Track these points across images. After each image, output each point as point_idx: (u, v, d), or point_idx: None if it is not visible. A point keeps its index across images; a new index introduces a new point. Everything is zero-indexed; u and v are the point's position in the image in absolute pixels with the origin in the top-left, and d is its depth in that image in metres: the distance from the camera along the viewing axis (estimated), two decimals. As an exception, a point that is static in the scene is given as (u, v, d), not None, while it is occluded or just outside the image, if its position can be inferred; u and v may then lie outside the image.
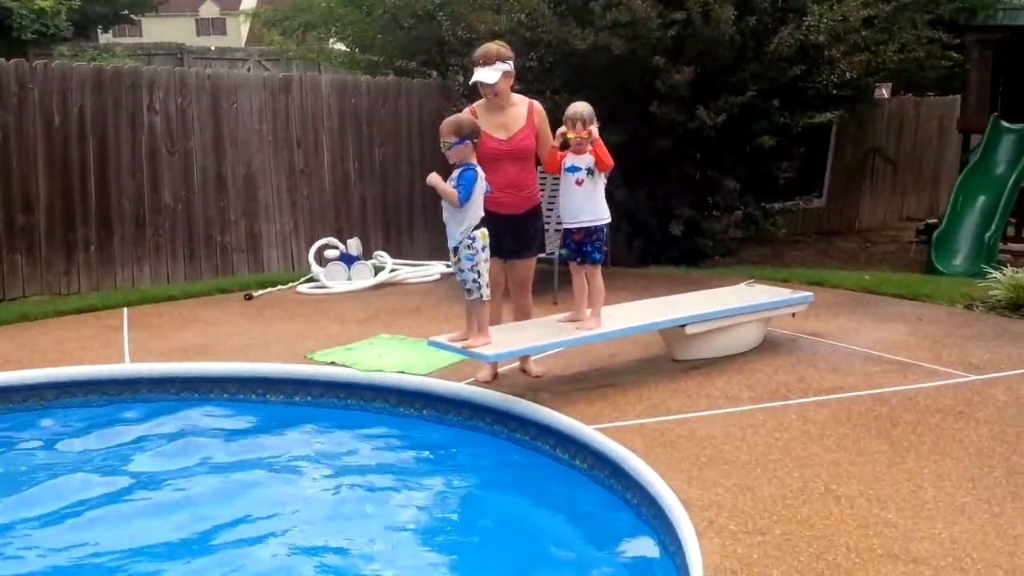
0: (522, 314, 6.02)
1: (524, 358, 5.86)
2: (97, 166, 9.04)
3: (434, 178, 5.20)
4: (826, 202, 14.48)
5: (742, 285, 7.07)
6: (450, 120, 5.27)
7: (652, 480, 4.34)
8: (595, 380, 5.82)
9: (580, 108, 5.46)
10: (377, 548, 4.31)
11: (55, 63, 8.96)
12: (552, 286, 7.79)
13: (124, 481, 4.97)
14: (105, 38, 28.40)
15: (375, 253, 9.33)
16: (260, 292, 8.42)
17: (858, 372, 5.93)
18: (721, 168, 10.00)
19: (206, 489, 4.89)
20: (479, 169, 5.25)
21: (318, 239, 9.57)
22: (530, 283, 6.02)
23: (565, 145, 5.52)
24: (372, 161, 10.83)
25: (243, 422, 5.83)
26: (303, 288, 8.67)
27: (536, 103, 5.90)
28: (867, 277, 8.89)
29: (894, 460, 4.55)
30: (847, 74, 9.71)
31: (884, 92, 14.97)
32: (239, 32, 46.06)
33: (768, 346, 6.50)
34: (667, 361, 6.19)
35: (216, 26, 58.80)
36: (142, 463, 5.21)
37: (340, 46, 14.76)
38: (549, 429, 5.17)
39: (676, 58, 9.11)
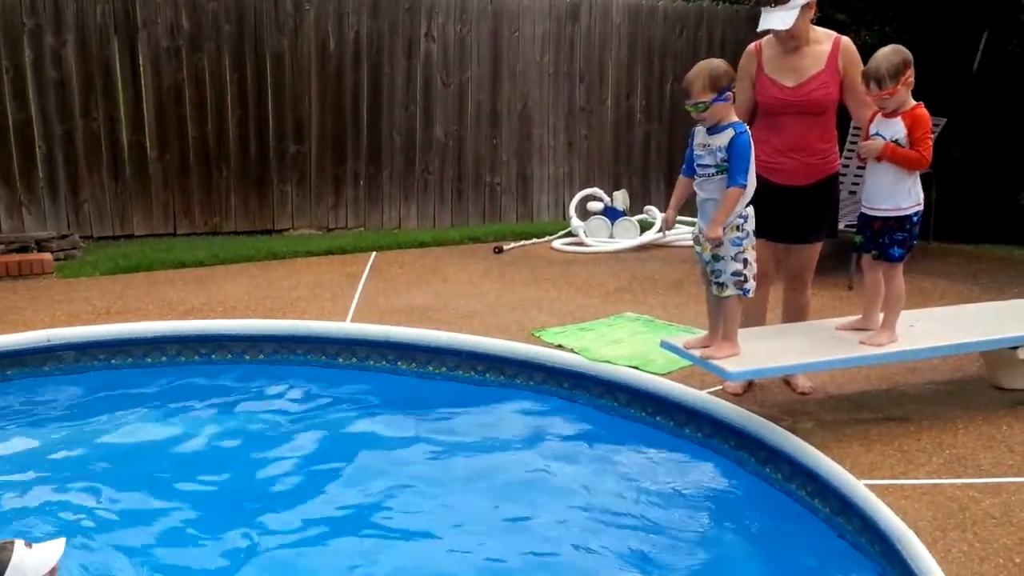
0: (796, 313, 4.76)
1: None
2: (370, 96, 8.66)
3: (716, 232, 3.96)
4: None
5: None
6: (702, 72, 3.92)
7: (937, 584, 3.07)
8: (880, 408, 4.47)
9: (878, 61, 4.03)
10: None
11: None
12: (848, 266, 6.36)
13: (328, 447, 4.55)
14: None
15: (645, 208, 8.25)
16: (511, 245, 7.66)
17: None
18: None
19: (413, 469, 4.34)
20: (746, 127, 4.03)
21: (593, 185, 8.65)
22: (811, 275, 4.72)
23: None
24: (662, 99, 9.71)
25: (456, 400, 5.11)
26: (558, 244, 7.81)
27: (845, 40, 4.48)
28: None
29: None
30: None
31: None
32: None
33: None
34: (987, 389, 4.69)
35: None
36: (349, 432, 4.74)
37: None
38: (807, 472, 3.96)
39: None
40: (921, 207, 4.23)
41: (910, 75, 4.06)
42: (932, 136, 4.19)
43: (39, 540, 2.84)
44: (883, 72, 4.00)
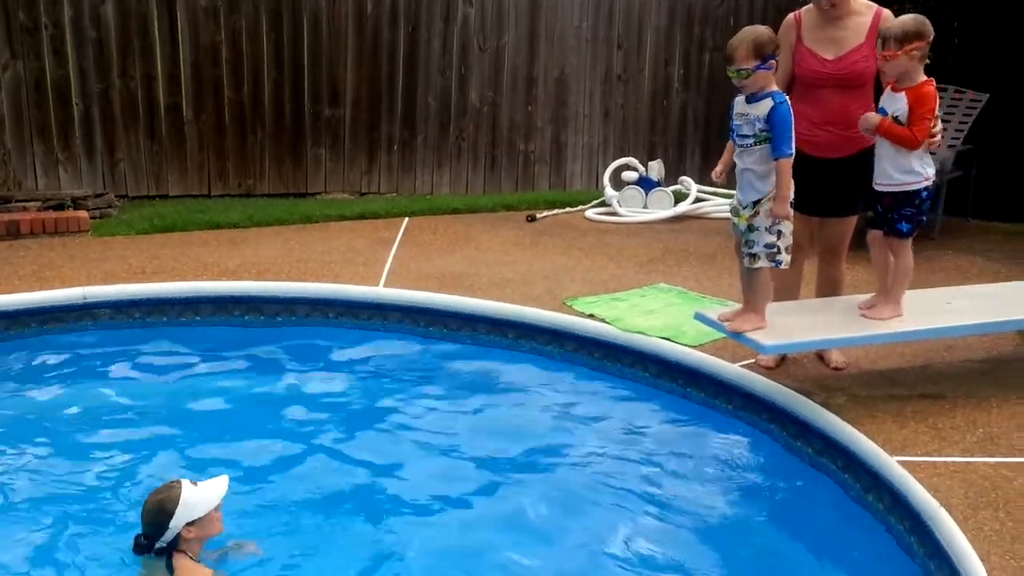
0: (830, 287, 4.72)
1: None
2: (406, 60, 8.62)
3: (785, 209, 3.93)
4: None
5: None
6: (746, 37, 3.88)
7: (968, 563, 3.04)
8: (914, 385, 4.42)
9: (894, 21, 4.01)
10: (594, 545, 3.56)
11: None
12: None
13: (355, 409, 4.64)
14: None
15: (680, 179, 8.17)
16: (545, 214, 7.63)
17: None
18: None
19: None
20: (786, 97, 3.98)
21: (628, 155, 8.58)
22: (845, 249, 4.68)
23: None
24: (700, 67, 9.58)
25: (488, 367, 5.13)
26: (591, 213, 7.76)
27: (886, 12, 4.40)
28: None
29: None
30: None
31: None
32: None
33: None
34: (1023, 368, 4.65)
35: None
36: (381, 396, 4.77)
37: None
38: (838, 447, 3.94)
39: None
40: (930, 182, 4.16)
41: (917, 47, 3.96)
42: (936, 116, 4.09)
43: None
44: (890, 33, 3.95)
